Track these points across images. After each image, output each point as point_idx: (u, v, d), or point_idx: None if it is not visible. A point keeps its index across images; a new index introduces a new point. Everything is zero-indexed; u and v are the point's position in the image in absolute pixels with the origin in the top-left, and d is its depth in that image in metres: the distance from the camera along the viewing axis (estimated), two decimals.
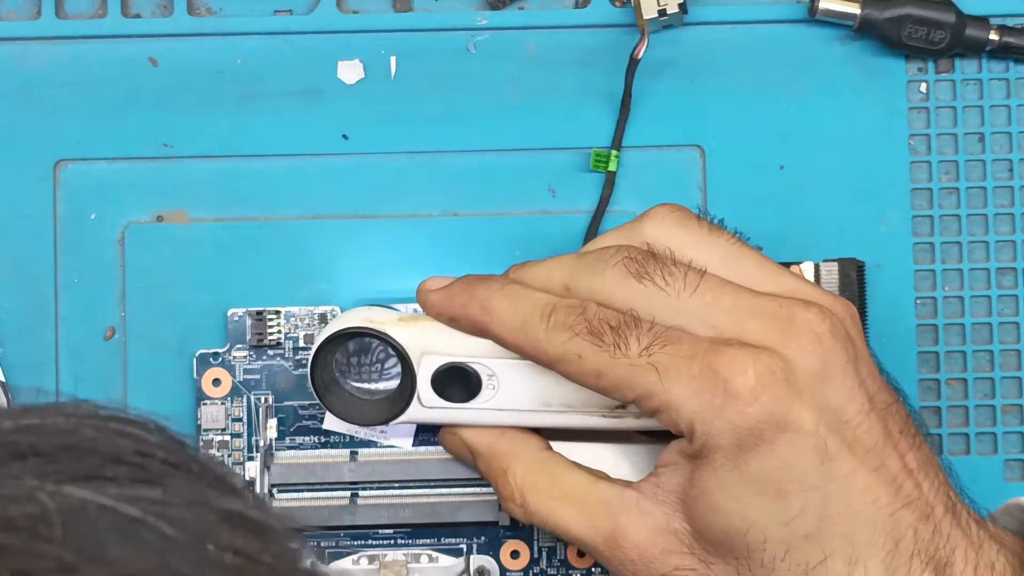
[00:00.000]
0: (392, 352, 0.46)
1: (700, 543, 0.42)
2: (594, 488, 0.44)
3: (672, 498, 0.42)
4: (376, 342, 0.47)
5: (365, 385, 0.48)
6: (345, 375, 0.47)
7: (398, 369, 0.46)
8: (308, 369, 0.46)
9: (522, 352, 0.44)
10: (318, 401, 0.46)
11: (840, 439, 0.41)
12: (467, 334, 0.45)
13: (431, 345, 0.45)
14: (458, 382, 0.45)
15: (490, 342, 0.45)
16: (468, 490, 0.49)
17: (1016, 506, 0.44)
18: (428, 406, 0.46)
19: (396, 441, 0.49)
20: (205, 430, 0.50)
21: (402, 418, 0.46)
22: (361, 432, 0.49)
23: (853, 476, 0.40)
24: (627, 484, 0.44)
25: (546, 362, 0.43)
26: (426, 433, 0.50)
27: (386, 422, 0.46)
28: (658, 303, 0.42)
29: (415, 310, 0.48)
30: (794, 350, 0.41)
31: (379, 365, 0.48)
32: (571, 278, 0.43)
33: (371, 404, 0.47)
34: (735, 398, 0.40)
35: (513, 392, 0.45)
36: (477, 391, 0.45)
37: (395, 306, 0.50)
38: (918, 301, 0.51)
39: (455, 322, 0.45)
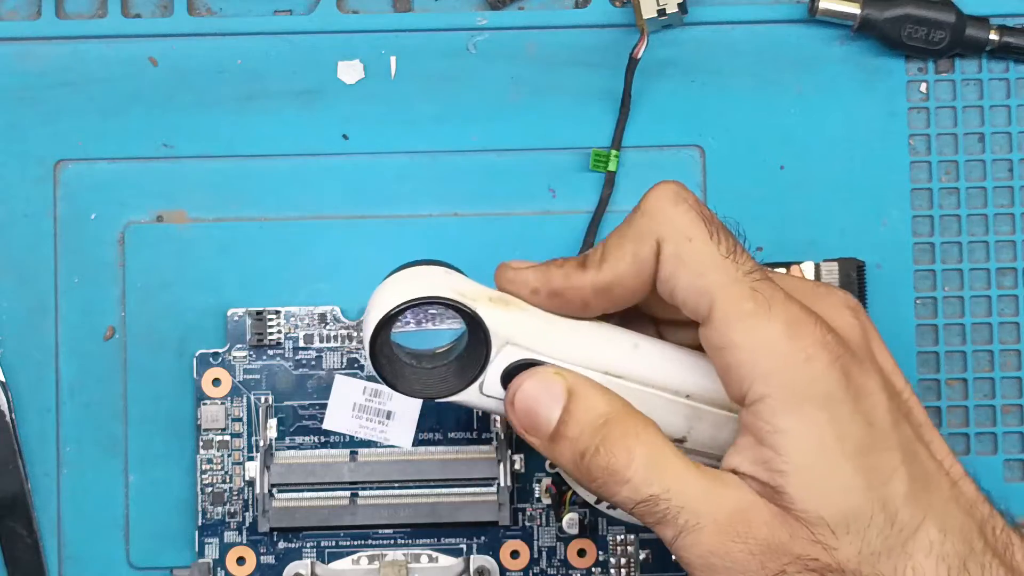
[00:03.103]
0: (467, 328, 0.41)
1: (822, 529, 0.38)
2: (720, 477, 0.40)
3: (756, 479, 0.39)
4: (448, 310, 0.41)
5: (421, 353, 0.43)
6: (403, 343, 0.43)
7: (453, 336, 0.42)
8: (370, 331, 0.41)
9: (633, 248, 0.40)
10: (371, 367, 0.42)
11: (898, 406, 0.40)
12: (561, 335, 0.41)
13: (519, 338, 0.41)
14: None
15: (580, 352, 0.41)
16: (468, 490, 0.49)
17: None
18: (486, 394, 0.42)
19: (396, 441, 0.49)
20: (205, 430, 0.50)
21: (454, 398, 0.42)
22: (361, 432, 0.49)
23: (914, 444, 0.39)
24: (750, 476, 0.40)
25: (655, 238, 0.39)
26: (426, 433, 0.50)
27: (434, 398, 0.42)
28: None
29: None
30: (841, 323, 0.40)
31: (432, 322, 0.43)
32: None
33: (426, 374, 0.42)
34: (823, 352, 0.38)
35: None
36: None
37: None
38: (918, 301, 0.51)
39: (558, 300, 0.41)
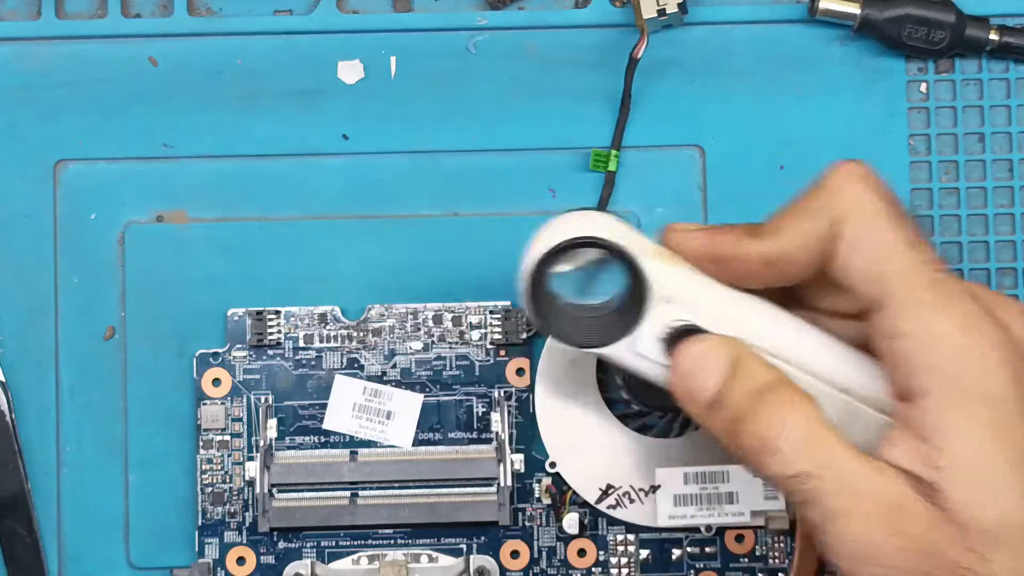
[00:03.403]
0: (627, 277, 0.40)
1: (977, 536, 0.37)
2: (878, 466, 0.38)
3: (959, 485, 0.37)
4: (612, 256, 0.40)
5: (579, 302, 0.41)
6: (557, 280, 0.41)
7: (616, 293, 0.41)
8: (532, 265, 0.40)
9: (806, 224, 0.39)
10: (528, 307, 0.40)
11: None
12: (733, 297, 0.40)
13: (678, 294, 0.40)
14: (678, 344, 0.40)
15: (744, 320, 0.40)
16: (468, 490, 0.49)
17: None
18: (639, 353, 0.40)
19: (396, 441, 0.49)
20: (205, 430, 0.50)
21: (605, 351, 0.40)
22: (361, 432, 0.50)
23: None
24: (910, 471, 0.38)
25: (833, 216, 0.38)
26: (426, 433, 0.50)
27: (585, 347, 0.40)
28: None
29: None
30: (1018, 329, 0.39)
31: (594, 277, 0.42)
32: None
33: (578, 321, 0.41)
34: (998, 351, 0.37)
35: None
36: None
37: (398, 306, 0.50)
38: None
39: (722, 265, 0.40)
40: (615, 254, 0.39)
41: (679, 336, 0.39)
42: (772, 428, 0.38)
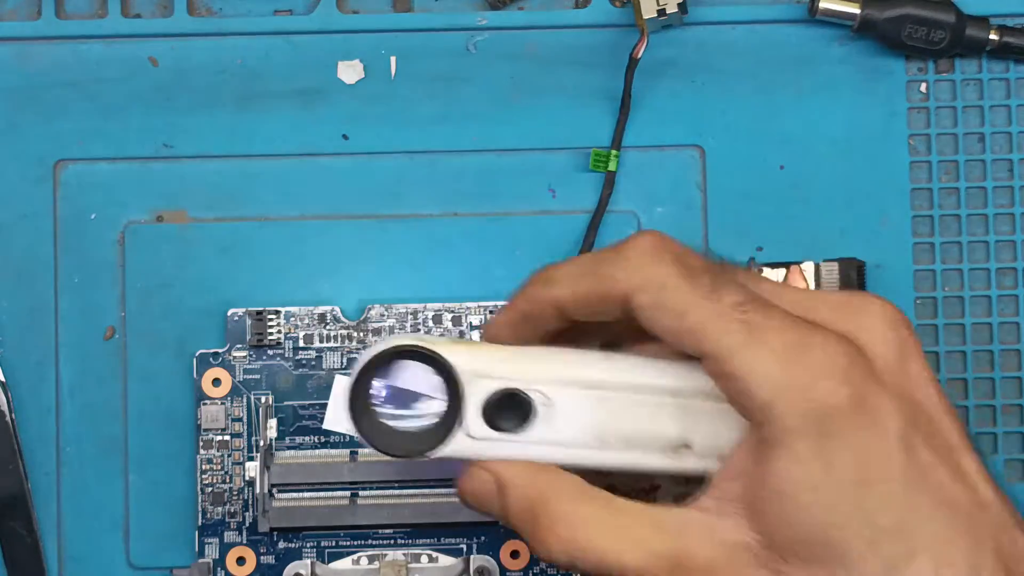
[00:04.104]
0: (438, 375, 0.41)
1: (773, 552, 0.38)
2: (649, 513, 0.40)
3: (738, 508, 0.39)
4: (421, 367, 0.42)
5: (403, 414, 0.42)
6: (379, 403, 0.42)
7: (441, 400, 0.42)
8: (345, 394, 0.41)
9: (599, 287, 0.39)
10: (355, 431, 0.41)
11: (919, 431, 0.38)
12: (529, 356, 0.41)
13: (486, 369, 0.41)
14: (510, 413, 0.41)
15: (551, 366, 0.41)
16: None
17: None
18: (475, 437, 0.41)
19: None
20: (205, 430, 0.50)
21: (445, 451, 0.41)
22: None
23: (933, 471, 0.38)
24: (682, 503, 0.40)
25: (623, 289, 0.39)
26: None
27: (423, 453, 0.41)
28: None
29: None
30: (872, 337, 0.39)
31: (420, 394, 0.43)
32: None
33: (410, 434, 0.42)
34: (826, 378, 0.37)
35: (570, 424, 0.41)
36: (530, 422, 0.41)
37: (398, 306, 0.50)
38: (918, 301, 0.51)
39: (530, 323, 0.41)
40: (418, 355, 0.40)
41: (497, 403, 0.40)
42: (543, 525, 0.39)
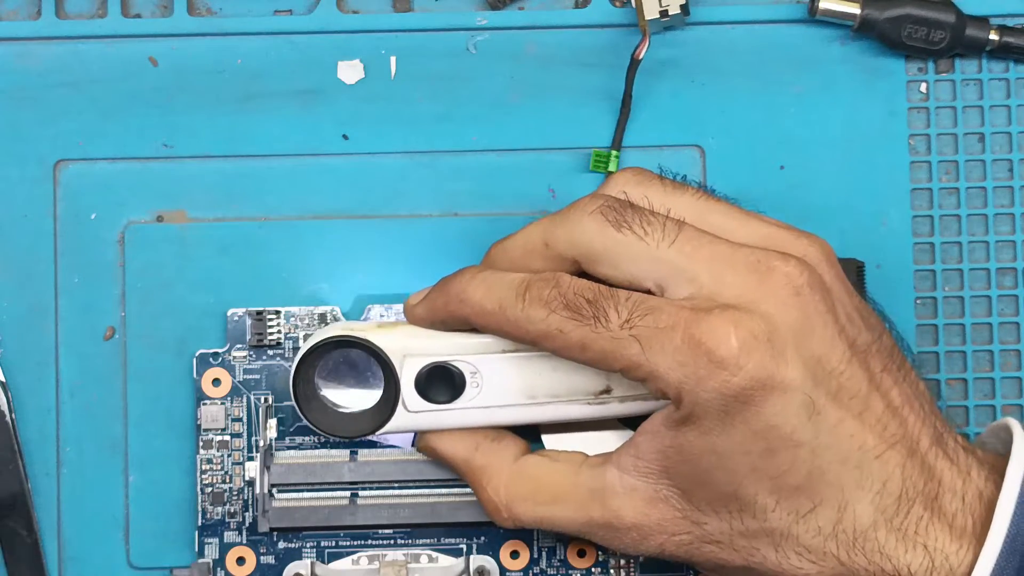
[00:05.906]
0: (374, 360, 0.46)
1: (691, 504, 0.43)
2: (578, 480, 0.44)
3: (655, 467, 0.43)
4: (358, 353, 0.46)
5: (349, 399, 0.47)
6: (328, 388, 0.47)
7: (381, 381, 0.46)
8: (290, 385, 0.46)
9: (506, 334, 0.44)
10: (304, 419, 0.46)
11: (825, 391, 0.41)
12: (450, 332, 0.45)
13: (412, 348, 0.45)
14: (442, 384, 0.45)
15: (470, 339, 0.45)
16: (468, 490, 0.49)
17: (1001, 427, 0.45)
18: (413, 410, 0.46)
19: (396, 441, 0.49)
20: (205, 430, 0.50)
21: (388, 427, 0.46)
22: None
23: (840, 426, 0.41)
24: (606, 460, 0.44)
25: (531, 340, 0.43)
26: None
27: (372, 432, 0.46)
28: (637, 253, 0.42)
29: (397, 317, 0.48)
30: (774, 305, 0.41)
31: (362, 378, 0.47)
32: (549, 233, 0.44)
33: (355, 415, 0.46)
34: (719, 367, 0.40)
35: (498, 387, 0.45)
36: (462, 391, 0.45)
37: (398, 306, 0.50)
38: (918, 301, 0.51)
39: (443, 324, 0.45)
40: (349, 344, 0.45)
41: (424, 377, 0.45)
42: (489, 503, 0.45)
